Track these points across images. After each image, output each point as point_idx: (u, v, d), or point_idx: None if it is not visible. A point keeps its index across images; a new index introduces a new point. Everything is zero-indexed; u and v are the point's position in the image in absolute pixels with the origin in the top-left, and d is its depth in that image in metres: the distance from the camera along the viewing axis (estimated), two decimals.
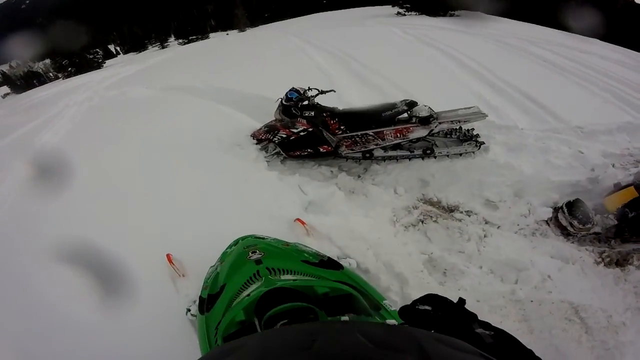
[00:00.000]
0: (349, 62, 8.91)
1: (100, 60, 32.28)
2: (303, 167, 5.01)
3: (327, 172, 4.94)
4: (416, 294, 2.94)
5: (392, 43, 11.24)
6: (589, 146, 4.92)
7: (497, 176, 4.44)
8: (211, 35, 38.70)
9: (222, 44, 19.76)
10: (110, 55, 44.44)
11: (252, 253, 2.02)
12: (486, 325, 1.03)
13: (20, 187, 5.34)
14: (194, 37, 37.42)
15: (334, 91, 4.92)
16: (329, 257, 2.10)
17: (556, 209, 4.02)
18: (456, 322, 1.05)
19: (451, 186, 4.45)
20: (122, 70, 16.19)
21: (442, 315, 1.10)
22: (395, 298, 3.02)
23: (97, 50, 35.17)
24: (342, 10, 26.72)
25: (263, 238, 2.45)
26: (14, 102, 16.90)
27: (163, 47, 39.57)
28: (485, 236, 3.82)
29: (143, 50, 43.29)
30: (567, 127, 5.37)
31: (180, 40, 37.74)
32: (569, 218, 3.81)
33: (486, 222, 4.00)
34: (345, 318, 1.49)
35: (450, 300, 1.16)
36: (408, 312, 1.16)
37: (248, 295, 1.66)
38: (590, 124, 5.37)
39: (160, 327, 2.76)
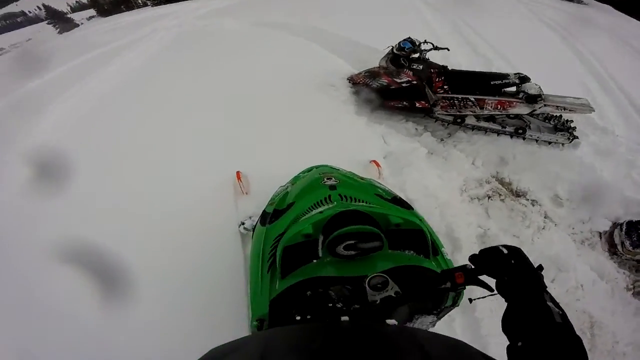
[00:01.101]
0: (461, 27, 8.27)
1: None
2: (390, 120, 4.78)
3: (413, 129, 4.71)
4: (463, 262, 2.95)
5: (512, 16, 10.23)
6: None
7: (576, 174, 4.13)
8: None
9: None
10: None
11: (327, 179, 1.90)
12: (554, 301, 0.99)
13: (102, 98, 5.47)
14: None
15: (448, 49, 4.53)
16: (400, 197, 1.94)
17: (615, 224, 3.77)
18: (529, 285, 1.03)
19: (528, 171, 4.19)
20: (215, 1, 15.14)
21: (518, 270, 1.07)
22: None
23: None
24: None
25: (338, 169, 2.33)
26: (100, 23, 16.15)
27: None
28: (543, 228, 3.67)
29: None
30: None
31: None
32: (623, 237, 3.56)
33: (546, 217, 3.82)
34: (410, 252, 1.47)
35: (531, 262, 1.10)
36: (487, 254, 1.14)
37: (320, 212, 1.56)
38: None
39: (214, 236, 2.88)
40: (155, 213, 3.10)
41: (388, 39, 4.69)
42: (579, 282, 3.23)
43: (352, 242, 1.34)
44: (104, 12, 36.46)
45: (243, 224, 2.93)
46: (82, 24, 30.57)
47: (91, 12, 44.02)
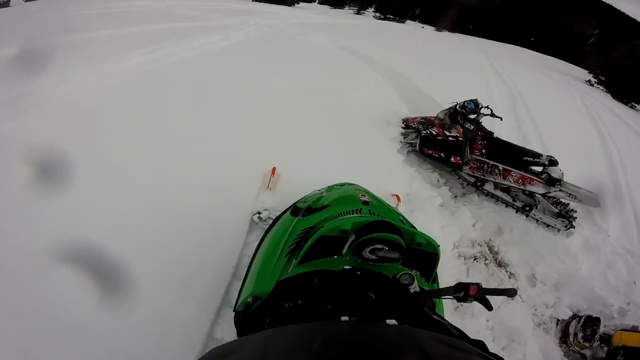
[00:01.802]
0: (518, 104, 8.42)
1: (295, 0, 29.72)
2: (420, 166, 5.02)
3: (435, 180, 4.96)
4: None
5: (564, 104, 10.42)
6: None
7: (558, 261, 4.38)
8: (407, 22, 35.42)
9: (413, 34, 18.47)
10: None
11: (361, 195, 1.98)
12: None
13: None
14: (392, 16, 33.95)
15: (501, 119, 4.85)
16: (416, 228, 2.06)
17: (574, 316, 3.96)
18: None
19: (517, 246, 4.44)
20: (312, 16, 15.28)
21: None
22: None
23: None
24: (541, 55, 24.32)
25: (369, 191, 2.36)
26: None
27: (358, 13, 36.74)
28: (512, 299, 3.88)
29: (339, 8, 40.52)
30: None
31: (377, 14, 34.44)
32: (578, 329, 3.75)
33: (511, 299, 3.97)
34: (415, 272, 1.56)
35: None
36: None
37: (360, 216, 1.65)
38: None
39: (225, 217, 2.94)
40: (176, 185, 3.10)
41: (448, 94, 4.98)
42: (525, 358, 3.45)
43: (379, 247, 1.42)
44: None
45: (259, 213, 2.97)
46: None
47: None
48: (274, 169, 3.51)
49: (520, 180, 4.51)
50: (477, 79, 9.45)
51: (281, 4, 22.18)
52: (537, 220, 4.68)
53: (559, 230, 4.65)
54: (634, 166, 7.68)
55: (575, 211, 4.77)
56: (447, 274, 3.73)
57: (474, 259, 4.15)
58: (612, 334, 3.82)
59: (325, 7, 39.33)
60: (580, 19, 42.35)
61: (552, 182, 4.34)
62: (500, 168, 4.58)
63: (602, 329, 3.82)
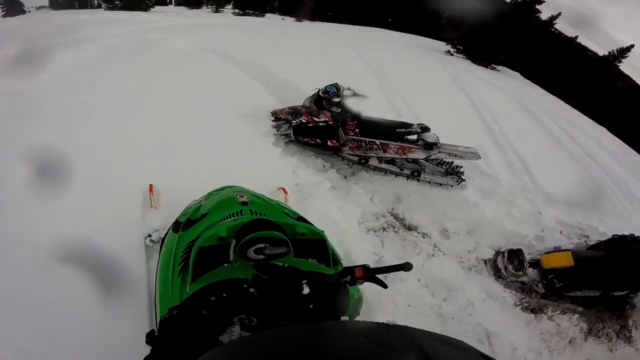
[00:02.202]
0: (384, 81, 9.09)
1: (150, 3, 29.18)
2: (302, 154, 5.18)
3: (320, 165, 5.15)
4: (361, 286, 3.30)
5: (429, 75, 11.62)
6: (548, 211, 5.30)
7: (461, 212, 4.78)
8: (267, 15, 37.02)
9: (274, 27, 19.30)
10: (161, 1, 40.54)
11: (240, 196, 2.04)
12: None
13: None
14: (251, 11, 35.44)
15: (367, 97, 5.12)
16: (304, 217, 2.15)
17: (497, 253, 4.35)
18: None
19: (420, 209, 4.71)
20: (169, 19, 15.31)
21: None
22: None
23: None
24: (400, 33, 26.63)
25: (250, 190, 2.42)
26: (49, 16, 15.72)
27: (217, 11, 37.48)
28: (432, 255, 4.12)
29: (196, 8, 41.15)
30: (538, 190, 5.77)
31: (237, 11, 35.68)
32: (506, 262, 4.12)
33: (436, 247, 4.28)
34: (312, 261, 1.66)
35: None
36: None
37: (235, 219, 1.72)
38: (558, 193, 5.72)
39: (117, 248, 2.77)
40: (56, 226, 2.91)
41: (313, 81, 5.15)
42: (469, 301, 3.66)
43: (262, 245, 1.48)
44: (56, 4, 35.52)
45: (150, 236, 2.95)
46: (29, 11, 29.32)
47: (43, 1, 41.53)
48: (151, 186, 3.42)
49: (400, 151, 4.91)
50: (341, 63, 10.01)
51: (136, 10, 22.14)
52: (429, 182, 5.16)
53: (452, 186, 5.16)
54: (505, 116, 8.89)
55: (461, 167, 5.25)
56: (361, 249, 3.80)
57: (383, 230, 4.27)
58: (539, 258, 4.27)
59: (182, 9, 39.13)
60: None
61: (429, 146, 4.77)
62: (378, 143, 4.93)
63: (528, 257, 4.25)
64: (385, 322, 0.85)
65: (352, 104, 5.16)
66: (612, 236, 4.50)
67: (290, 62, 8.61)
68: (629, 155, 11.50)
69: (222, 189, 2.51)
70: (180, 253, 1.67)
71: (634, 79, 39.64)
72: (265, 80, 6.89)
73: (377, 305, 3.24)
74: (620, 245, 4.28)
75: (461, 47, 22.70)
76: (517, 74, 22.74)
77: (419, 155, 4.83)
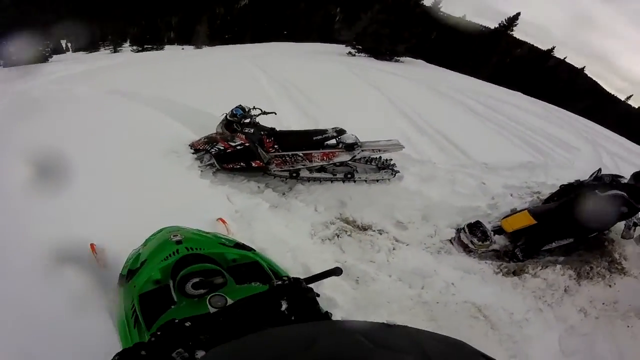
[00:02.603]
0: (293, 92, 9.22)
1: (47, 54, 28.63)
2: (233, 181, 5.17)
3: (255, 187, 5.11)
4: (330, 293, 3.29)
5: (337, 79, 11.86)
6: (492, 179, 5.59)
7: (408, 201, 4.90)
8: (167, 47, 37.55)
9: (175, 58, 19.36)
10: (59, 50, 40.70)
11: (173, 236, 2.07)
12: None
13: None
14: (150, 46, 35.86)
15: (275, 113, 5.23)
16: (243, 243, 2.17)
17: (459, 230, 4.51)
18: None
19: (366, 208, 4.77)
20: (69, 67, 15.24)
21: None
22: None
23: (48, 42, 30.46)
24: (300, 44, 27.42)
25: (185, 228, 2.47)
26: None
27: (115, 51, 37.93)
28: (394, 249, 4.14)
29: (94, 51, 41.28)
30: (474, 163, 6.07)
31: (135, 47, 36.19)
32: (469, 237, 4.30)
33: (396, 240, 4.32)
34: (256, 284, 1.68)
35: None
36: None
37: (166, 259, 1.75)
38: (495, 161, 6.09)
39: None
40: None
41: (225, 105, 5.19)
42: (447, 282, 3.72)
43: (197, 279, 1.50)
44: None
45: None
46: None
47: None
48: (92, 245, 3.33)
49: (324, 157, 5.04)
50: (248, 82, 10.06)
51: (35, 63, 21.55)
52: (366, 181, 5.28)
53: (389, 179, 5.30)
54: (421, 102, 9.34)
55: (391, 159, 5.41)
56: (320, 260, 3.73)
57: (337, 236, 4.21)
58: (499, 224, 4.53)
59: (81, 54, 38.40)
60: (319, 1, 49.62)
61: (350, 147, 4.95)
62: (301, 154, 5.03)
63: (489, 226, 4.49)
64: (385, 322, 0.86)
65: (264, 121, 5.24)
66: (560, 186, 4.86)
67: (197, 90, 8.60)
68: (549, 110, 12.59)
69: (160, 231, 2.53)
70: (129, 305, 1.68)
71: (530, 42, 43.68)
72: (177, 113, 6.80)
73: (356, 310, 3.21)
74: (569, 192, 4.62)
75: (360, 47, 23.96)
76: (421, 61, 24.24)
77: (344, 157, 4.97)
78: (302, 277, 1.36)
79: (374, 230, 4.47)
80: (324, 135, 5.01)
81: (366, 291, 3.47)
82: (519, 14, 38.84)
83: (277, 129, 5.25)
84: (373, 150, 5.01)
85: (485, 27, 43.97)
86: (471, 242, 4.29)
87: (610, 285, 4.13)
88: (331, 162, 5.06)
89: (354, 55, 23.30)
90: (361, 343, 0.69)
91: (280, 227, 4.14)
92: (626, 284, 4.17)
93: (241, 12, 48.72)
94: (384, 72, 14.65)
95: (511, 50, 39.27)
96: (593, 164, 5.48)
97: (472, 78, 18.62)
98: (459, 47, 37.63)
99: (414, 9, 25.76)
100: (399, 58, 23.12)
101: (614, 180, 4.55)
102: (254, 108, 5.15)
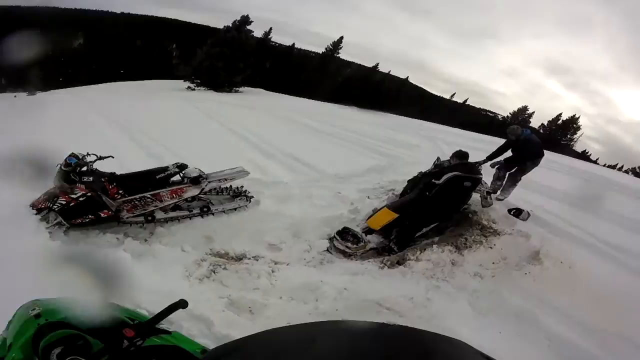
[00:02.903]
0: (134, 132, 8.88)
1: None
2: (88, 237, 4.71)
3: (113, 239, 4.68)
4: (227, 332, 3.07)
5: (179, 116, 11.78)
6: (346, 187, 5.95)
7: (273, 223, 4.97)
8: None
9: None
10: None
11: (31, 311, 1.86)
12: None
13: None
14: None
15: (112, 157, 4.87)
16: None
17: (330, 239, 4.67)
18: None
19: (234, 238, 4.71)
20: None
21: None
22: (205, 340, 2.98)
23: None
24: (139, 82, 26.68)
25: (45, 299, 2.14)
26: None
27: None
28: (273, 271, 4.08)
29: None
30: (325, 176, 6.45)
31: None
32: (343, 243, 4.50)
33: (275, 263, 4.29)
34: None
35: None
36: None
37: (21, 335, 1.59)
38: (345, 171, 6.54)
39: None
40: None
41: (60, 156, 4.74)
42: (340, 289, 3.75)
43: (59, 350, 1.38)
44: None
45: None
46: None
47: None
48: None
49: (174, 195, 4.88)
50: (86, 128, 9.36)
51: None
52: (225, 212, 5.21)
53: (246, 206, 5.31)
54: (262, 128, 9.69)
55: (242, 186, 5.41)
56: (204, 299, 3.54)
57: (214, 272, 4.03)
58: (367, 225, 4.82)
59: None
60: (155, 39, 48.54)
61: (196, 181, 4.89)
62: (149, 195, 4.81)
63: (358, 228, 4.76)
64: (385, 322, 0.89)
65: (106, 167, 4.88)
66: (407, 181, 5.36)
67: (27, 139, 7.64)
68: (385, 118, 13.88)
69: (18, 310, 2.21)
70: None
71: (357, 62, 47.09)
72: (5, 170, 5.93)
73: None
74: (417, 183, 5.09)
75: (199, 81, 24.37)
76: (261, 90, 25.20)
77: (193, 192, 4.90)
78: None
79: (249, 258, 4.40)
80: (166, 173, 4.86)
81: (263, 319, 3.38)
82: (342, 37, 41.58)
83: (118, 172, 4.89)
84: (220, 180, 5.00)
85: (314, 52, 46.61)
86: (347, 247, 4.49)
87: (491, 247, 4.55)
88: (182, 198, 4.92)
89: (194, 89, 23.76)
90: (362, 343, 0.73)
91: (148, 276, 3.78)
92: (505, 242, 4.63)
93: (75, 52, 45.02)
94: (224, 103, 15.08)
95: (341, 71, 41.95)
96: (435, 155, 6.10)
97: (310, 100, 19.86)
98: (293, 74, 39.44)
99: (246, 41, 26.85)
100: (238, 89, 24.23)
101: (449, 164, 5.14)
102: (87, 154, 4.72)
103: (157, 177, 4.79)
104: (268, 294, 3.75)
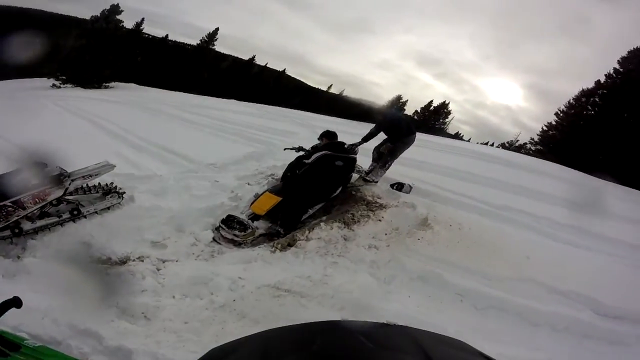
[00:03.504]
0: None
1: None
2: None
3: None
4: (119, 342, 2.89)
5: (39, 115, 10.76)
6: (224, 176, 5.95)
7: (152, 219, 4.75)
8: None
9: None
10: None
11: None
12: None
13: None
14: None
15: None
16: None
17: (216, 229, 4.62)
18: None
19: (113, 239, 4.37)
20: None
21: None
22: (100, 357, 2.84)
23: None
24: None
25: None
26: None
27: None
28: (158, 269, 3.95)
29: None
30: (202, 166, 6.39)
31: None
32: (230, 231, 4.48)
33: (164, 261, 4.12)
34: None
35: None
36: None
37: None
38: (221, 159, 6.54)
39: None
40: None
41: None
42: (233, 278, 3.71)
43: None
44: None
45: None
46: None
47: None
48: None
49: (37, 200, 4.29)
50: None
51: None
52: (97, 212, 4.76)
53: (119, 203, 4.96)
54: (132, 122, 9.41)
55: (112, 182, 5.02)
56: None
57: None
58: (252, 211, 4.87)
59: None
60: (13, 32, 42.60)
61: (57, 180, 4.36)
62: (9, 204, 4.15)
63: (243, 216, 4.79)
64: (385, 322, 0.89)
65: None
66: (288, 165, 5.43)
67: None
68: (262, 109, 14.24)
69: None
70: None
71: (233, 55, 46.13)
72: None
73: (157, 347, 2.92)
74: (295, 167, 5.22)
75: (64, 78, 22.49)
76: (132, 84, 23.75)
77: (57, 193, 4.38)
78: None
79: (134, 260, 4.13)
80: (24, 175, 4.22)
81: (158, 322, 3.23)
82: (217, 29, 40.85)
83: None
84: (84, 177, 4.55)
85: (189, 45, 44.67)
86: (235, 235, 4.48)
87: (380, 220, 4.82)
88: (46, 201, 4.35)
89: (59, 87, 21.96)
90: (362, 343, 0.70)
91: (25, 293, 3.41)
92: (392, 213, 4.94)
93: None
94: (92, 99, 14.43)
95: (218, 64, 40.88)
96: (312, 141, 6.28)
97: (185, 93, 19.36)
98: (168, 67, 37.61)
99: (115, 32, 25.59)
100: (108, 84, 22.83)
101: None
102: None
103: (14, 181, 4.12)
104: (159, 295, 3.60)
